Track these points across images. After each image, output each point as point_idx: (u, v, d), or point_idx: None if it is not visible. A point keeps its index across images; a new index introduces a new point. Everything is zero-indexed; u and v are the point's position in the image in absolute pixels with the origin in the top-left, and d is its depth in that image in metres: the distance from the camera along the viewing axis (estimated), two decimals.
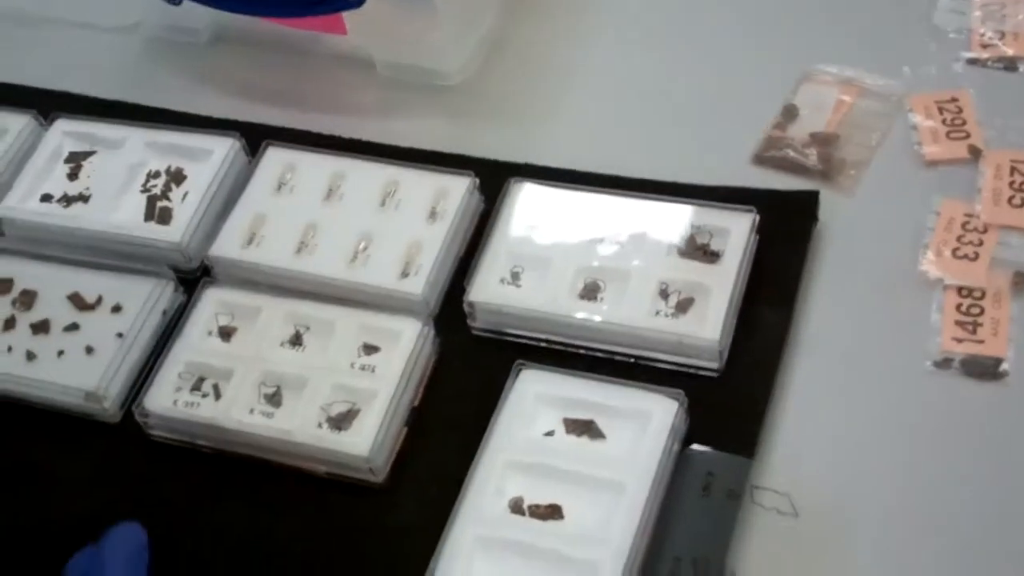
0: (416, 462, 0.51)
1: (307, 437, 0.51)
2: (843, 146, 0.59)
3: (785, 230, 0.55)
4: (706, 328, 0.51)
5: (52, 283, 0.58)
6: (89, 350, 0.55)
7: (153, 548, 0.49)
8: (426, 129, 0.62)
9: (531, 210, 0.56)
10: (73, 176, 0.62)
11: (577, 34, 0.65)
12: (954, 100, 0.59)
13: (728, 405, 0.50)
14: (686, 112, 0.61)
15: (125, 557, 0.44)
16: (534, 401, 0.50)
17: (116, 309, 0.56)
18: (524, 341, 0.54)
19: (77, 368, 0.54)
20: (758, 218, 0.54)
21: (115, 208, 0.60)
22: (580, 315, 0.52)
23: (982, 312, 0.52)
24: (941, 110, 0.59)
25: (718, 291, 0.52)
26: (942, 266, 0.54)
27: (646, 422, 0.49)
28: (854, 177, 0.58)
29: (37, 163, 0.62)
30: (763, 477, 0.48)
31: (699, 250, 0.54)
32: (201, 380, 0.53)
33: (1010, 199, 0.55)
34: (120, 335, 0.55)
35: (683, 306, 0.52)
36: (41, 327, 0.56)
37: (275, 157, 0.60)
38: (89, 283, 0.57)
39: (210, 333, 0.55)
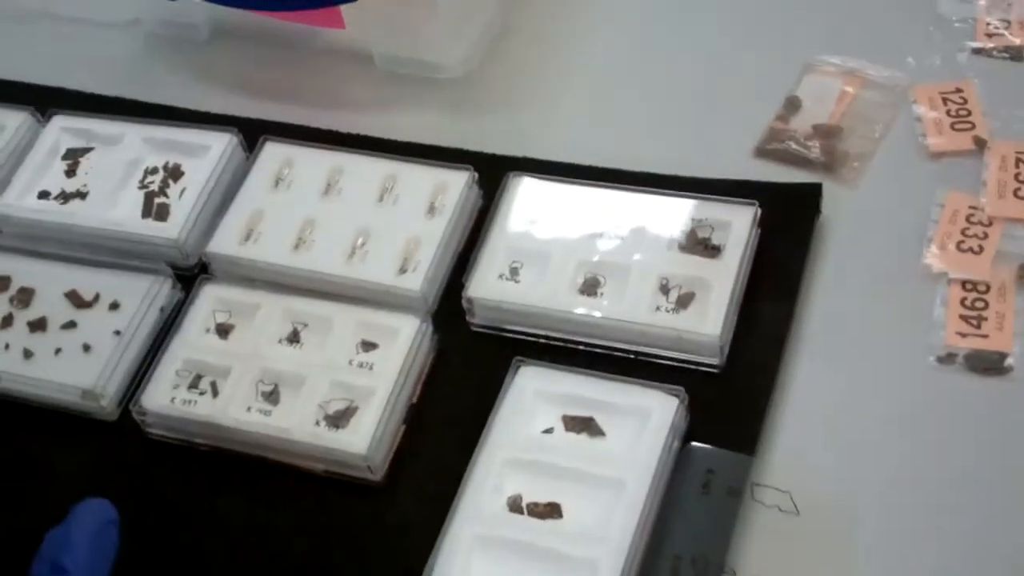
0: (414, 460, 0.51)
1: (305, 435, 0.50)
2: (846, 138, 0.58)
3: (787, 224, 0.54)
4: (707, 324, 0.50)
5: (49, 280, 0.57)
6: (86, 348, 0.55)
7: (148, 547, 0.49)
8: (425, 123, 0.62)
9: (530, 205, 0.56)
10: (71, 172, 0.61)
11: (577, 27, 0.65)
12: (959, 91, 0.59)
13: (729, 401, 0.50)
14: (687, 105, 0.61)
15: (91, 532, 0.43)
16: (533, 398, 0.50)
17: (114, 306, 0.56)
18: (523, 337, 0.53)
19: (74, 366, 0.54)
20: (760, 211, 0.54)
21: (113, 205, 0.59)
22: (580, 311, 0.52)
23: (987, 306, 0.51)
24: (945, 101, 0.58)
25: (719, 286, 0.51)
26: (946, 259, 0.53)
27: (646, 419, 0.48)
28: (857, 169, 0.57)
29: (34, 159, 0.62)
30: (764, 474, 0.48)
31: (700, 244, 0.53)
32: (199, 378, 0.53)
33: (1015, 191, 0.55)
34: (118, 333, 0.55)
35: (684, 301, 0.52)
36: (38, 325, 0.56)
37: (273, 152, 0.60)
38: (86, 280, 0.57)
39: (208, 330, 0.54)
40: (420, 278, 0.54)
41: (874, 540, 0.46)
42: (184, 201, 0.59)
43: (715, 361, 0.51)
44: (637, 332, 0.51)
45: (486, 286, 0.53)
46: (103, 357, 0.54)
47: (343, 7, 0.60)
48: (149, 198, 0.59)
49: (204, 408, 0.52)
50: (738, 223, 0.53)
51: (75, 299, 0.57)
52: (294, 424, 0.51)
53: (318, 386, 0.52)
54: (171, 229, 0.58)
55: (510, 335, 0.53)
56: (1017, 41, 0.60)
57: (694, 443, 0.49)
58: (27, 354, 0.55)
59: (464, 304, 0.54)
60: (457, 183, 0.57)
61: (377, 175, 0.58)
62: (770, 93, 0.60)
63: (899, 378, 0.50)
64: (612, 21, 0.65)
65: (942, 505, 0.47)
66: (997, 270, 0.52)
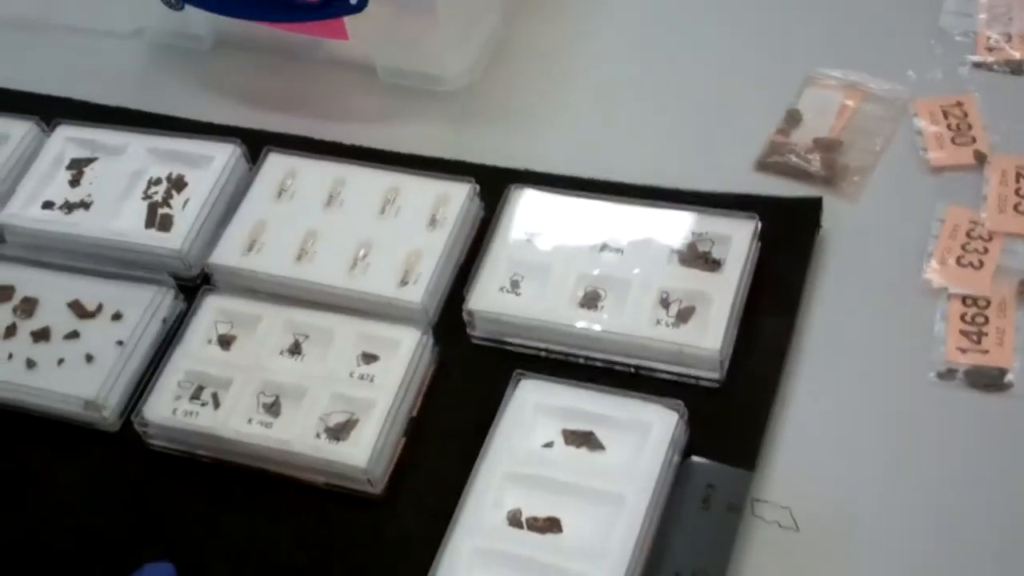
0: (414, 473, 0.51)
1: (305, 447, 0.51)
2: (847, 152, 0.58)
3: (788, 237, 0.54)
4: (707, 338, 0.50)
5: (53, 290, 0.58)
6: (89, 358, 0.55)
7: (149, 558, 0.49)
8: (426, 135, 0.62)
9: (531, 217, 0.56)
10: (75, 183, 0.62)
11: (578, 40, 0.65)
12: (959, 104, 0.59)
13: (729, 416, 0.50)
14: (688, 118, 0.61)
15: None
16: (533, 412, 0.50)
17: (116, 317, 0.56)
18: (523, 350, 0.53)
19: (77, 376, 0.54)
20: (760, 225, 0.54)
21: (116, 215, 0.60)
22: (580, 324, 0.52)
23: (987, 322, 0.51)
24: (946, 115, 0.59)
25: (719, 300, 0.52)
26: (946, 274, 0.53)
27: (646, 433, 0.48)
28: (858, 183, 0.57)
29: (39, 169, 0.62)
30: (764, 490, 0.48)
31: (700, 258, 0.53)
32: (200, 389, 0.53)
33: (1016, 206, 0.55)
34: (120, 343, 0.55)
35: (684, 315, 0.52)
36: (41, 335, 0.56)
37: (276, 163, 0.60)
38: (89, 290, 0.57)
39: (210, 341, 0.55)
40: (421, 290, 0.54)
41: (873, 556, 0.46)
42: (187, 212, 0.59)
43: (715, 375, 0.51)
44: (637, 346, 0.51)
45: (487, 299, 0.54)
46: (105, 367, 0.55)
47: (346, 19, 0.61)
48: (152, 208, 0.60)
49: (205, 419, 0.52)
50: (738, 237, 0.53)
51: (78, 309, 0.57)
52: (295, 436, 0.51)
53: (319, 398, 0.52)
54: (174, 240, 0.58)
55: (510, 348, 0.54)
56: (1018, 55, 0.60)
57: (694, 457, 0.49)
58: (30, 364, 0.56)
59: (465, 317, 0.54)
60: (458, 195, 0.57)
61: (379, 187, 0.58)
62: (771, 106, 0.60)
63: (899, 393, 0.50)
64: (613, 34, 0.65)
65: (942, 521, 0.47)
66: (997, 285, 0.52)
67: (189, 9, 0.63)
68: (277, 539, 0.50)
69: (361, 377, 0.52)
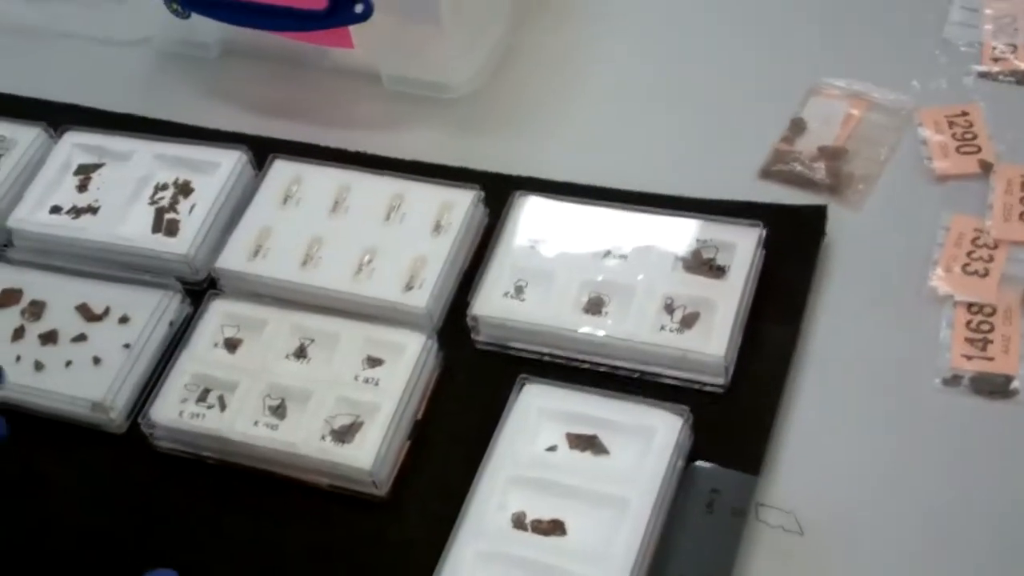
0: (419, 476, 0.51)
1: (311, 450, 0.51)
2: (851, 160, 0.58)
3: (792, 245, 0.55)
4: (711, 344, 0.51)
5: (60, 294, 0.58)
6: (96, 360, 0.55)
7: (155, 560, 0.49)
8: (431, 142, 0.62)
9: (535, 223, 0.56)
10: (82, 188, 0.62)
11: (583, 48, 0.65)
12: (964, 114, 0.59)
13: (733, 421, 0.50)
14: (692, 126, 0.61)
15: None
16: (537, 416, 0.50)
17: (123, 320, 0.57)
18: (528, 355, 0.53)
19: (84, 378, 0.55)
20: (765, 233, 0.54)
21: (123, 220, 0.60)
22: (584, 330, 0.52)
23: (992, 329, 0.51)
24: (951, 124, 0.59)
25: (724, 306, 0.52)
26: (952, 282, 0.53)
27: (650, 438, 0.48)
28: (863, 192, 0.57)
29: (47, 175, 0.62)
30: (768, 494, 0.48)
31: (705, 265, 0.53)
32: (207, 392, 0.54)
33: (1021, 215, 0.55)
34: (127, 346, 0.56)
35: (688, 321, 0.52)
36: (49, 337, 0.57)
37: (281, 170, 0.60)
38: (97, 294, 0.58)
39: (216, 345, 0.55)
40: (426, 295, 0.54)
41: (877, 561, 0.46)
42: (194, 217, 0.59)
43: (720, 381, 0.51)
44: (641, 351, 0.52)
45: (491, 304, 0.54)
46: (113, 370, 0.55)
47: (352, 27, 0.61)
48: (159, 214, 0.60)
49: (212, 422, 0.52)
50: (743, 244, 0.53)
51: (85, 312, 0.57)
52: (300, 439, 0.51)
53: (324, 401, 0.52)
54: (181, 244, 0.58)
55: (514, 353, 0.54)
56: (1022, 65, 0.60)
57: (698, 462, 0.49)
58: (38, 366, 0.56)
59: (469, 322, 0.54)
60: (463, 202, 0.57)
61: (384, 193, 0.59)
62: (776, 115, 0.60)
63: (904, 400, 0.50)
64: (618, 42, 0.65)
65: (946, 527, 0.47)
66: (1003, 293, 0.52)
67: (196, 18, 0.64)
68: (282, 541, 0.50)
69: (366, 381, 0.52)
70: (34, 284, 0.59)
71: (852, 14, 0.64)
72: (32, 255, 0.60)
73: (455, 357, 0.54)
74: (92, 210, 0.61)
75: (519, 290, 0.54)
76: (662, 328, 0.52)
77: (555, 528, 0.47)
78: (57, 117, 0.65)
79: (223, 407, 0.53)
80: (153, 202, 0.61)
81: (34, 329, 0.57)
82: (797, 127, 0.60)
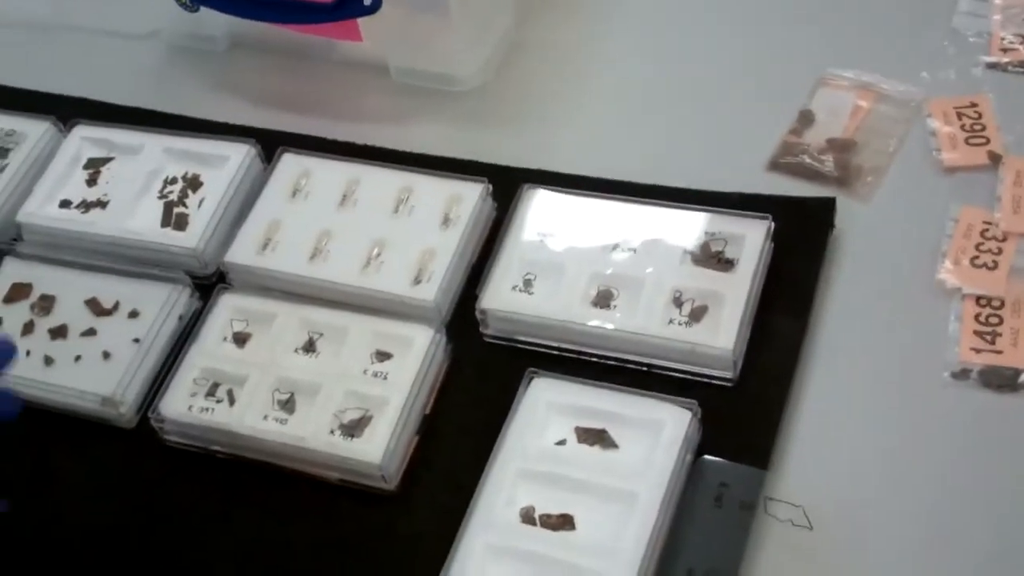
0: (428, 470, 0.51)
1: (320, 444, 0.51)
2: (860, 152, 0.58)
3: (801, 237, 0.54)
4: (720, 337, 0.51)
5: (70, 288, 0.58)
6: (106, 355, 0.56)
7: (165, 554, 0.49)
8: (439, 135, 0.62)
9: (544, 217, 0.56)
10: (92, 182, 0.62)
11: (591, 41, 0.65)
12: (973, 105, 0.59)
13: (742, 415, 0.50)
14: (700, 118, 0.61)
15: None
16: (546, 410, 0.50)
17: (133, 314, 0.57)
18: (536, 348, 0.53)
19: (94, 373, 0.55)
20: (773, 225, 0.54)
21: (132, 214, 0.60)
22: (593, 323, 0.52)
23: (1001, 322, 0.51)
24: (960, 115, 0.58)
25: (732, 299, 0.52)
26: (960, 275, 0.53)
27: (659, 432, 0.48)
28: (871, 184, 0.57)
29: (56, 169, 0.62)
30: (777, 489, 0.48)
31: (713, 258, 0.53)
32: (216, 386, 0.54)
33: None
34: (137, 340, 0.56)
35: (697, 314, 0.52)
36: (59, 332, 0.57)
37: (290, 163, 0.60)
38: (106, 288, 0.58)
39: (225, 339, 0.55)
40: (434, 289, 0.55)
41: (887, 555, 0.46)
42: (203, 211, 0.59)
43: (728, 374, 0.51)
44: (650, 345, 0.52)
45: (500, 297, 0.54)
46: (122, 364, 0.55)
47: (360, 20, 0.61)
48: (168, 208, 0.60)
49: (221, 416, 0.53)
50: (751, 236, 0.53)
51: (95, 307, 0.57)
52: (309, 433, 0.51)
53: (333, 395, 0.52)
54: (190, 238, 0.58)
55: (523, 346, 0.54)
56: None
57: (707, 456, 0.49)
58: (48, 361, 0.56)
59: (478, 315, 0.54)
60: (471, 195, 0.57)
61: (393, 186, 0.59)
62: (784, 107, 0.60)
63: (913, 393, 0.50)
64: (626, 35, 0.65)
65: (955, 520, 0.47)
66: (1012, 285, 0.52)
67: (204, 11, 0.64)
68: (291, 534, 0.51)
69: (375, 375, 0.52)
70: (43, 278, 0.59)
71: (860, 5, 0.64)
72: (42, 249, 0.60)
73: (463, 350, 0.54)
74: (101, 204, 0.61)
75: (528, 283, 0.54)
76: (671, 321, 0.52)
77: (564, 522, 0.47)
78: (66, 111, 0.65)
79: (232, 401, 0.53)
80: (162, 196, 0.61)
81: (44, 324, 0.57)
82: (805, 119, 0.60)
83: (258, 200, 0.59)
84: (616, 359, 0.52)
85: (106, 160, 0.63)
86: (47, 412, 0.56)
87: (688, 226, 0.54)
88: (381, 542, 0.50)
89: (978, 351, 0.51)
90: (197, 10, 0.64)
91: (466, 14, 0.61)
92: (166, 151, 0.62)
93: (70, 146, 0.63)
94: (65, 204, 0.62)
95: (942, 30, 0.62)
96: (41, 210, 0.61)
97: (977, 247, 0.54)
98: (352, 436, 0.51)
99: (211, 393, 0.54)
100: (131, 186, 0.61)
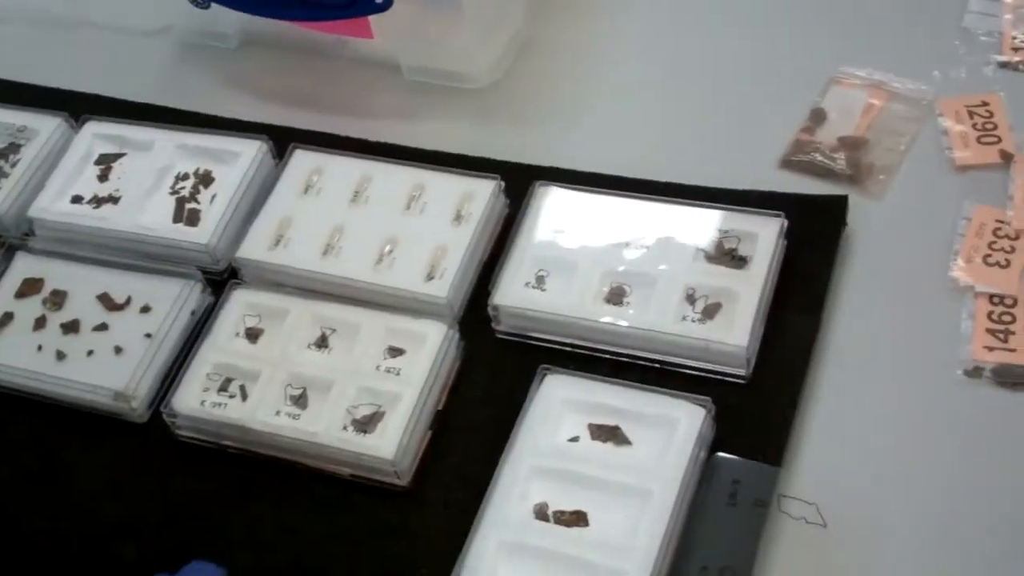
0: (440, 466, 0.51)
1: (332, 439, 0.51)
2: (872, 150, 0.58)
3: (813, 235, 0.54)
4: (733, 334, 0.51)
5: (82, 283, 0.58)
6: (118, 350, 0.56)
7: (176, 549, 0.49)
8: (451, 132, 0.62)
9: (556, 214, 0.56)
10: (103, 178, 0.62)
11: (603, 38, 0.65)
12: (985, 104, 0.59)
13: (755, 412, 0.50)
14: (712, 115, 0.61)
15: None
16: (559, 406, 0.50)
17: (145, 309, 0.57)
18: (548, 345, 0.53)
19: (106, 368, 0.55)
20: (786, 223, 0.54)
21: (144, 210, 0.60)
22: (606, 319, 0.52)
23: (1014, 320, 0.51)
24: (971, 114, 0.58)
25: (746, 296, 0.52)
26: (973, 273, 0.53)
27: (672, 429, 0.48)
28: (883, 182, 0.57)
29: (68, 165, 0.62)
30: (791, 486, 0.48)
31: (726, 255, 0.53)
32: (228, 381, 0.54)
33: None
34: (149, 335, 0.56)
35: (710, 311, 0.52)
36: (71, 327, 0.57)
37: (302, 160, 0.61)
38: (118, 283, 0.58)
39: (237, 334, 0.55)
40: (447, 285, 0.55)
41: (901, 553, 0.46)
42: (215, 207, 0.59)
43: (741, 372, 0.51)
44: (663, 342, 0.52)
45: (512, 294, 0.54)
46: (134, 359, 0.55)
47: (371, 17, 0.61)
48: (180, 203, 0.60)
49: (233, 411, 0.53)
50: (765, 234, 0.53)
51: (107, 302, 0.57)
52: (322, 428, 0.51)
53: (346, 391, 0.52)
54: (202, 234, 0.58)
55: (535, 343, 0.54)
56: None
57: (720, 453, 0.49)
58: (60, 355, 0.56)
59: (490, 312, 0.54)
60: (484, 192, 0.57)
61: (405, 183, 0.59)
62: (795, 105, 0.60)
63: (926, 391, 0.50)
64: (638, 32, 0.65)
65: (970, 519, 0.47)
66: None
67: (215, 7, 0.64)
68: (303, 530, 0.51)
69: (387, 370, 0.52)
70: (55, 274, 0.59)
71: (872, 4, 0.64)
72: (53, 244, 0.60)
73: (476, 347, 0.54)
74: (113, 200, 0.61)
75: (540, 280, 0.54)
76: (684, 318, 0.52)
77: (578, 519, 0.47)
78: (78, 107, 0.65)
79: (244, 397, 0.53)
80: (174, 192, 0.61)
81: (56, 318, 0.57)
82: (817, 117, 0.60)
83: (270, 196, 0.59)
84: (628, 356, 0.52)
85: (118, 156, 0.63)
86: (59, 407, 0.56)
87: (701, 223, 0.54)
88: (393, 538, 0.50)
89: (991, 349, 0.51)
90: (208, 7, 0.64)
91: (478, 11, 0.61)
92: (178, 147, 0.62)
93: (82, 142, 0.63)
94: (77, 200, 0.62)
95: (953, 29, 0.62)
96: (53, 205, 0.61)
97: (990, 245, 0.54)
98: (365, 432, 0.51)
99: (223, 388, 0.54)
100: (143, 182, 0.61)
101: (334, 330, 0.54)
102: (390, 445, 0.50)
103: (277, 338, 0.55)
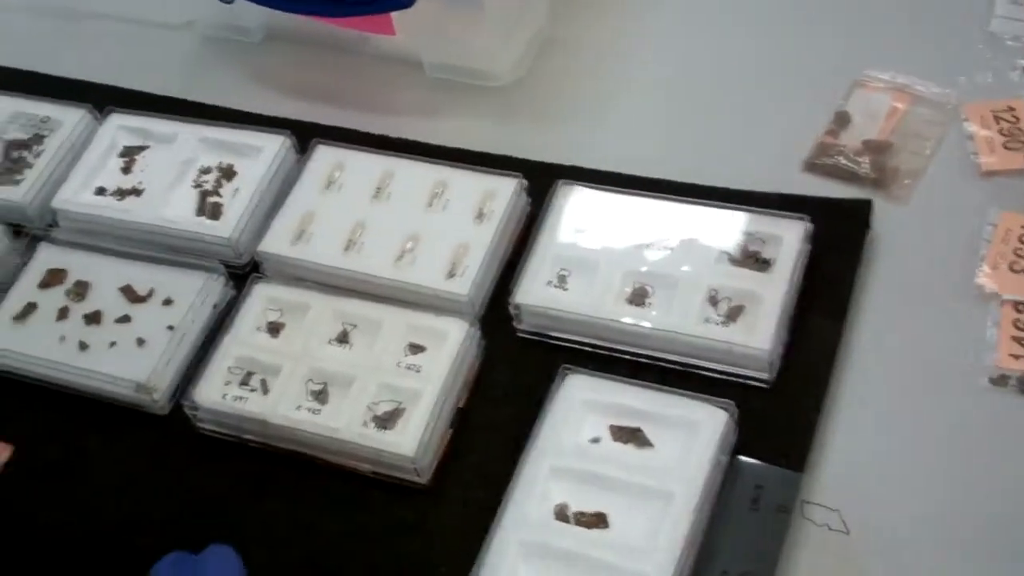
0: (460, 464, 0.51)
1: (353, 435, 0.51)
2: (897, 154, 0.58)
3: (837, 239, 0.54)
4: (756, 337, 0.50)
5: (105, 275, 0.58)
6: (140, 342, 0.56)
7: (195, 540, 0.49)
8: (473, 130, 0.62)
9: (579, 213, 0.56)
10: (127, 170, 0.62)
11: (626, 37, 0.65)
12: (1011, 109, 0.58)
13: (778, 416, 0.50)
14: (735, 117, 0.61)
15: None
16: (580, 406, 0.50)
17: (167, 302, 0.57)
18: (569, 344, 0.53)
19: (128, 359, 0.55)
20: (811, 226, 0.53)
21: (167, 202, 0.60)
22: (628, 320, 0.52)
23: None
24: (997, 119, 0.58)
25: (769, 299, 0.51)
26: (998, 280, 0.53)
27: (695, 432, 0.48)
28: (908, 186, 0.57)
29: (91, 156, 0.63)
30: (813, 492, 0.48)
31: (750, 257, 0.53)
32: (249, 375, 0.54)
33: None
34: (171, 328, 0.56)
35: (733, 314, 0.52)
36: (93, 318, 0.57)
37: (324, 155, 0.61)
38: (141, 276, 0.58)
39: (259, 328, 0.55)
40: (468, 283, 0.54)
41: (923, 560, 0.46)
42: (237, 200, 0.60)
43: (764, 375, 0.51)
44: (686, 343, 0.51)
45: (534, 293, 0.54)
46: (156, 351, 0.55)
47: (394, 14, 0.61)
48: (203, 197, 0.60)
49: (254, 405, 0.53)
50: (789, 237, 0.53)
51: (130, 294, 0.58)
52: (342, 424, 0.51)
53: (367, 387, 0.52)
54: (224, 228, 0.59)
55: (556, 342, 0.54)
56: None
57: (742, 457, 0.48)
58: (82, 346, 0.56)
59: (511, 310, 0.54)
60: (506, 190, 0.57)
61: (427, 180, 0.58)
62: (819, 107, 0.60)
63: (951, 398, 0.50)
64: (662, 31, 0.65)
65: (993, 528, 0.46)
66: None
67: (239, 2, 0.64)
68: (322, 525, 0.51)
69: (408, 367, 0.52)
70: (78, 265, 0.59)
71: (897, 7, 0.63)
72: (77, 236, 0.60)
73: (496, 345, 0.54)
74: (136, 192, 0.61)
75: (562, 279, 0.54)
76: (706, 320, 0.51)
77: (598, 521, 0.47)
78: (102, 99, 0.65)
79: (266, 391, 0.53)
80: (197, 185, 0.61)
81: (78, 309, 0.57)
82: (841, 120, 0.60)
83: (292, 191, 0.59)
84: (649, 357, 0.52)
85: (141, 148, 0.63)
86: (80, 397, 0.56)
87: (725, 225, 0.54)
88: (412, 535, 0.50)
89: (1017, 357, 0.50)
90: (233, 1, 0.64)
91: (500, 9, 0.61)
92: (201, 141, 0.62)
93: (105, 134, 0.63)
94: (100, 191, 0.62)
95: (979, 33, 0.61)
96: (76, 197, 0.61)
97: (1016, 252, 0.53)
98: (385, 428, 0.51)
99: (245, 382, 0.54)
100: (166, 175, 0.61)
101: (355, 326, 0.54)
102: (411, 442, 0.50)
103: (298, 333, 0.55)
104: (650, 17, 0.66)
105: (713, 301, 0.52)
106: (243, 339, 0.55)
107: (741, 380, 0.51)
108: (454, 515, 0.50)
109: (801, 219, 0.54)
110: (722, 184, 0.57)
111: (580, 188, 0.57)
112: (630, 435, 0.49)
